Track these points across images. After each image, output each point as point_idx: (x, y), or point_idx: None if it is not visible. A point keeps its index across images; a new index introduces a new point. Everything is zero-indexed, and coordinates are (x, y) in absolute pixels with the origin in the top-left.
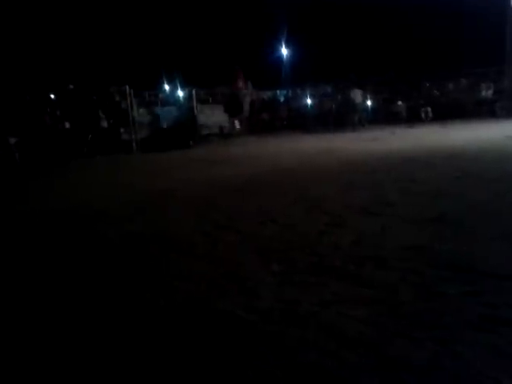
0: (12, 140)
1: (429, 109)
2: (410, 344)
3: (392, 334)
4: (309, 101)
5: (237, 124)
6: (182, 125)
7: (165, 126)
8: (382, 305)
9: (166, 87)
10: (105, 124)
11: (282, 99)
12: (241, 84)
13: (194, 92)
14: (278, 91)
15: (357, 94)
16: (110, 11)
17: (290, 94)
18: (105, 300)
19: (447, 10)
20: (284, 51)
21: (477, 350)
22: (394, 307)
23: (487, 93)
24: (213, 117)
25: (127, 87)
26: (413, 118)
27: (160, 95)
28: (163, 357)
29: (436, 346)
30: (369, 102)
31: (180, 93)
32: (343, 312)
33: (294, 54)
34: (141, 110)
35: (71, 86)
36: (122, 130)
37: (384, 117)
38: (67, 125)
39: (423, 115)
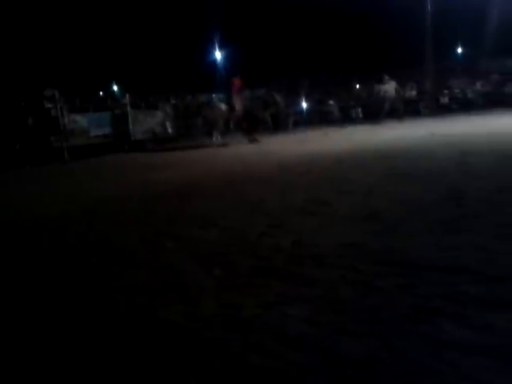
0: None
1: (359, 109)
2: (351, 340)
3: (334, 331)
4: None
5: (169, 128)
6: (116, 130)
7: (98, 132)
8: (323, 303)
9: (100, 93)
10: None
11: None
12: (236, 89)
13: (127, 97)
14: (213, 95)
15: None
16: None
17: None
18: (40, 317)
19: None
20: (218, 55)
21: (412, 340)
22: (334, 304)
23: (411, 93)
24: (146, 122)
25: (57, 93)
26: (344, 118)
27: (92, 101)
28: (103, 371)
29: (375, 340)
30: (303, 104)
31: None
32: (286, 312)
33: (229, 56)
34: (72, 117)
35: None
36: (52, 137)
37: (317, 117)
38: None
39: (353, 115)
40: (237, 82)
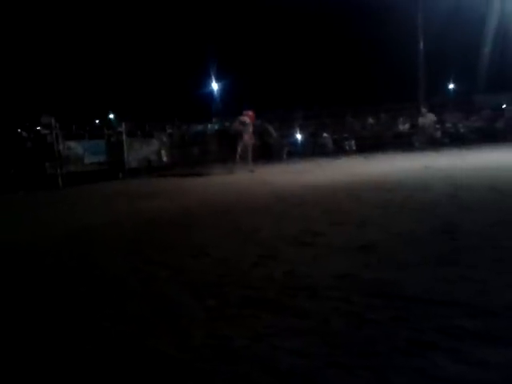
0: None
1: (352, 141)
2: (343, 373)
3: (325, 365)
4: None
5: (164, 156)
6: (111, 158)
7: (93, 159)
8: (315, 335)
9: (96, 121)
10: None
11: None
12: (244, 120)
13: (123, 125)
14: (208, 125)
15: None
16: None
17: (221, 127)
18: (28, 344)
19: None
20: (214, 86)
21: (406, 374)
22: (326, 337)
23: (404, 127)
24: (141, 150)
25: (53, 120)
26: (337, 150)
27: (88, 128)
28: None
29: (368, 374)
30: (298, 135)
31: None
32: (276, 344)
33: (225, 87)
34: (67, 144)
35: None
36: (47, 164)
37: (311, 149)
38: None
39: (347, 147)
40: (251, 114)
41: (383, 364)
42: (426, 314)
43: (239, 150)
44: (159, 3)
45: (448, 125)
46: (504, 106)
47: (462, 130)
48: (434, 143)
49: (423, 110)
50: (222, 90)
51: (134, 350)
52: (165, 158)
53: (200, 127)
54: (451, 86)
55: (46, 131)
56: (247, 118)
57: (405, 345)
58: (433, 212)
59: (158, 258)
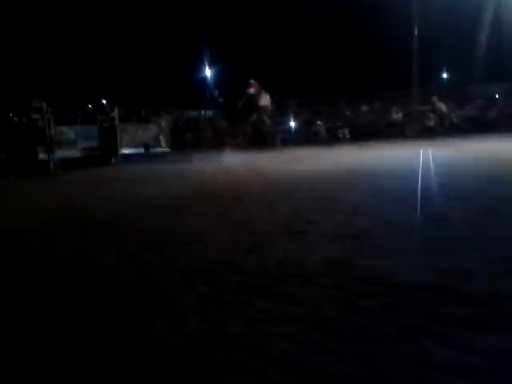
0: None
1: (346, 130)
2: (333, 359)
3: (317, 350)
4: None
5: (162, 142)
6: (104, 143)
7: (85, 144)
8: (307, 321)
9: (89, 106)
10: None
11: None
12: (253, 90)
13: (116, 111)
14: (202, 111)
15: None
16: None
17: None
18: (17, 331)
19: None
20: (208, 72)
21: (396, 359)
22: (318, 323)
23: (397, 115)
24: (137, 136)
25: (44, 104)
26: (331, 138)
27: (80, 113)
28: None
29: (358, 360)
30: (291, 123)
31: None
32: (269, 330)
33: (219, 74)
34: (59, 129)
35: None
36: (38, 149)
37: (305, 136)
38: None
39: (341, 135)
40: (253, 83)
41: (373, 350)
42: (416, 301)
43: (255, 117)
44: None
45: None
46: (497, 96)
47: (454, 120)
48: (427, 132)
49: (433, 97)
50: (216, 76)
51: (126, 336)
52: (164, 145)
53: (194, 113)
54: (445, 75)
55: (37, 116)
56: (252, 89)
57: (395, 331)
58: (424, 201)
59: (152, 245)
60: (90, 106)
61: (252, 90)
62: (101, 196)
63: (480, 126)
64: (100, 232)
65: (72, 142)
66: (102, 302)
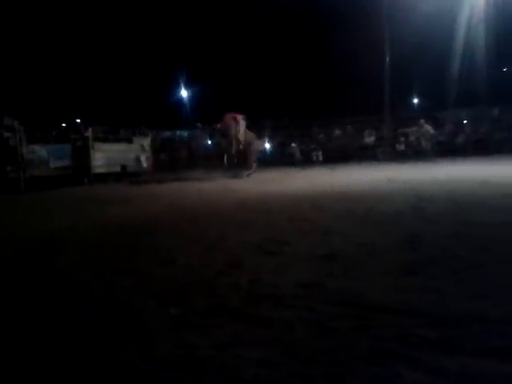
0: None
1: (319, 152)
2: (305, 383)
3: (288, 374)
4: (209, 141)
5: (144, 162)
6: (76, 163)
7: (57, 164)
8: (279, 344)
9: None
10: None
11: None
12: (228, 123)
13: (90, 130)
14: (177, 131)
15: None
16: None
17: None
18: None
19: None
20: (184, 93)
21: (366, 382)
22: (289, 346)
23: (370, 139)
24: (112, 155)
25: (16, 123)
26: (305, 160)
27: (53, 132)
28: None
29: (329, 383)
30: (266, 145)
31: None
32: (240, 354)
33: (195, 95)
34: (31, 147)
35: None
36: (8, 167)
37: (279, 158)
38: None
39: (314, 158)
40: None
41: (345, 372)
42: (387, 323)
43: (233, 149)
44: (129, 9)
45: (411, 138)
46: (465, 122)
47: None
48: (397, 156)
49: (421, 120)
50: (192, 97)
51: (96, 361)
52: (145, 164)
53: (168, 133)
54: (415, 100)
55: (8, 134)
56: (220, 125)
57: (366, 353)
58: (395, 223)
59: (123, 266)
60: (63, 124)
61: (219, 126)
62: (69, 216)
63: (449, 150)
64: (66, 254)
65: (44, 161)
66: (71, 325)
